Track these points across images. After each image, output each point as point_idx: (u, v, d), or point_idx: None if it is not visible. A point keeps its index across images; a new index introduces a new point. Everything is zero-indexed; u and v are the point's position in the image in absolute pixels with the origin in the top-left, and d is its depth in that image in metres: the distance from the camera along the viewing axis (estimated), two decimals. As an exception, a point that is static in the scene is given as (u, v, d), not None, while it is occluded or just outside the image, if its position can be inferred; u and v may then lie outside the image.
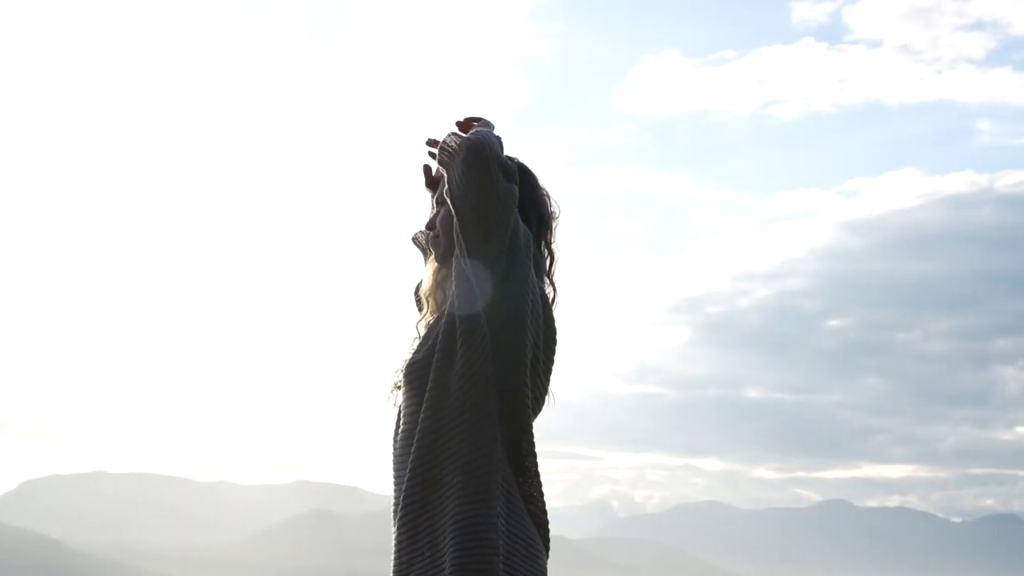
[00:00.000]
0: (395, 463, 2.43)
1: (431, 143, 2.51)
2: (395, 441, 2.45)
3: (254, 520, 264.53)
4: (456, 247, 2.29)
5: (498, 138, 2.29)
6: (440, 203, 2.55)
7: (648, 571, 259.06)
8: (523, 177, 2.48)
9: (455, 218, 2.24)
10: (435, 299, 2.57)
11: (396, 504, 2.38)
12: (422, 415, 2.32)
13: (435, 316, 2.53)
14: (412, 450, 2.32)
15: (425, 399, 2.32)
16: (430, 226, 2.59)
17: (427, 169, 2.61)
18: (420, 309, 2.61)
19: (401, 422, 2.44)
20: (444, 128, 2.40)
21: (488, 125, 2.39)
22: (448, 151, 2.22)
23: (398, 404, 2.47)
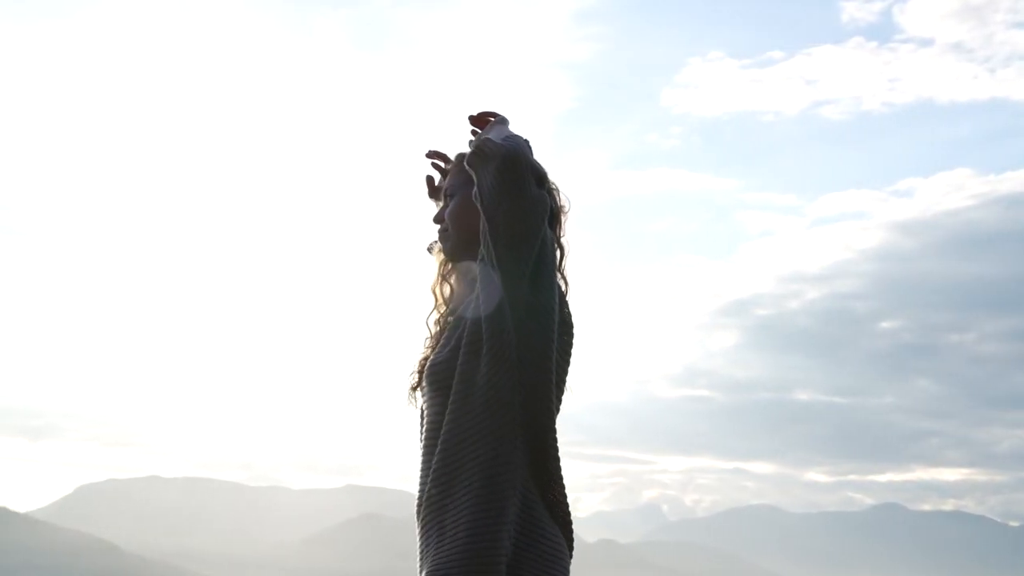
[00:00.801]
0: (421, 464, 2.44)
1: (432, 155, 2.64)
2: (420, 442, 2.47)
3: (305, 524, 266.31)
4: (484, 251, 2.30)
5: (526, 141, 2.31)
6: (449, 196, 2.58)
7: (699, 575, 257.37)
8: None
9: (486, 224, 2.25)
10: (442, 293, 2.61)
11: (419, 505, 2.40)
12: (447, 417, 2.34)
13: (442, 311, 2.59)
14: (436, 452, 2.34)
15: (450, 401, 2.34)
16: (438, 219, 2.60)
17: (430, 180, 2.67)
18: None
19: (424, 423, 2.46)
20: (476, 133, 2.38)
21: (503, 121, 2.43)
22: (482, 155, 2.23)
23: (420, 405, 2.49)
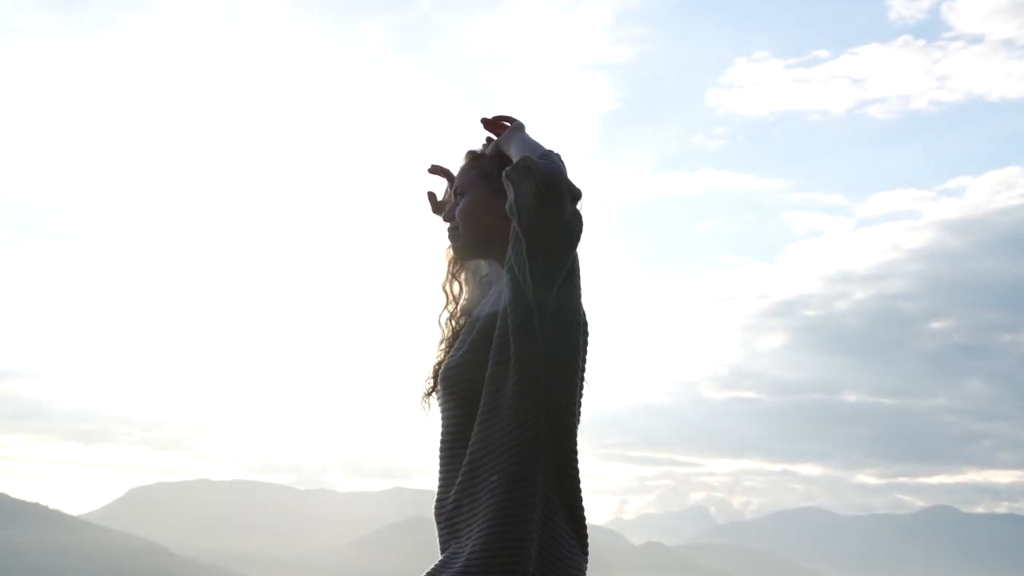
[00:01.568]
0: (440, 469, 2.46)
1: (435, 170, 2.68)
2: (439, 448, 2.48)
3: (352, 527, 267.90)
4: (515, 264, 2.29)
5: (558, 155, 2.33)
6: (459, 194, 2.58)
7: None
8: None
9: (522, 240, 2.25)
10: (451, 291, 2.63)
11: (439, 510, 2.44)
12: (477, 426, 2.35)
13: (452, 310, 2.62)
14: (464, 460, 2.36)
15: (480, 410, 2.35)
16: (448, 218, 2.60)
17: (432, 196, 2.69)
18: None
19: (443, 429, 2.47)
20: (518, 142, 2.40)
21: (520, 126, 2.47)
22: (523, 172, 2.23)
23: (441, 410, 2.49)
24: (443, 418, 2.47)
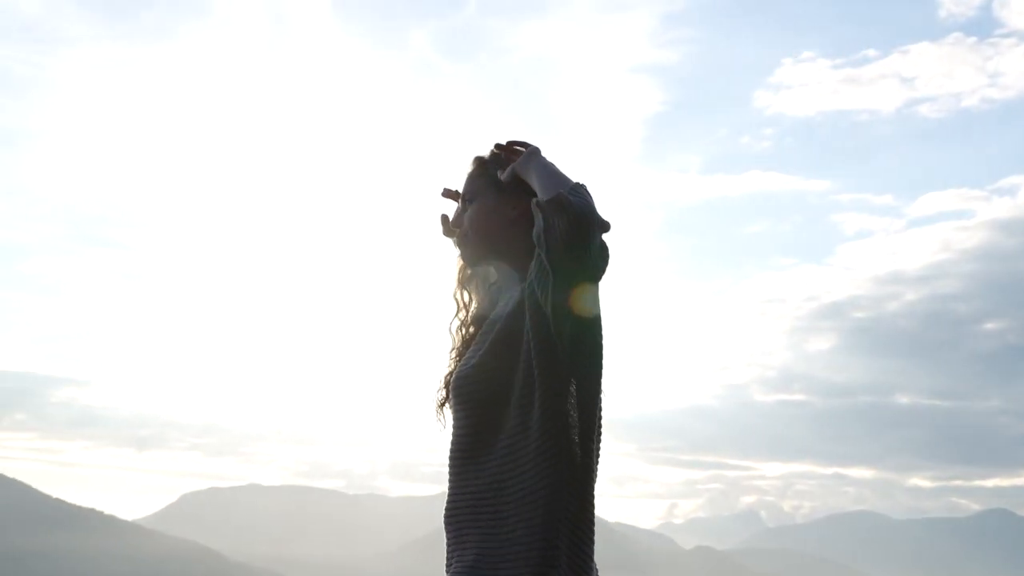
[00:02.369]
0: (453, 477, 2.46)
1: (447, 194, 2.66)
2: (451, 456, 2.47)
3: (402, 531, 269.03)
4: (539, 292, 2.29)
5: (583, 186, 2.31)
6: (468, 201, 2.58)
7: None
8: None
9: (549, 273, 2.24)
10: (462, 299, 2.63)
11: (452, 516, 2.44)
12: (504, 446, 2.36)
13: (463, 318, 2.62)
14: (487, 474, 2.37)
15: (508, 430, 2.36)
16: (456, 224, 2.60)
17: (444, 219, 2.66)
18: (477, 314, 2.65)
19: (456, 436, 2.46)
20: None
21: (536, 151, 2.45)
22: (557, 206, 2.22)
23: (454, 419, 2.48)
24: (456, 426, 2.46)
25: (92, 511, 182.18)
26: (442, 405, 2.55)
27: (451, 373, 2.55)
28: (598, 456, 2.40)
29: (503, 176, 2.49)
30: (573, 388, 2.33)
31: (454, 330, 2.61)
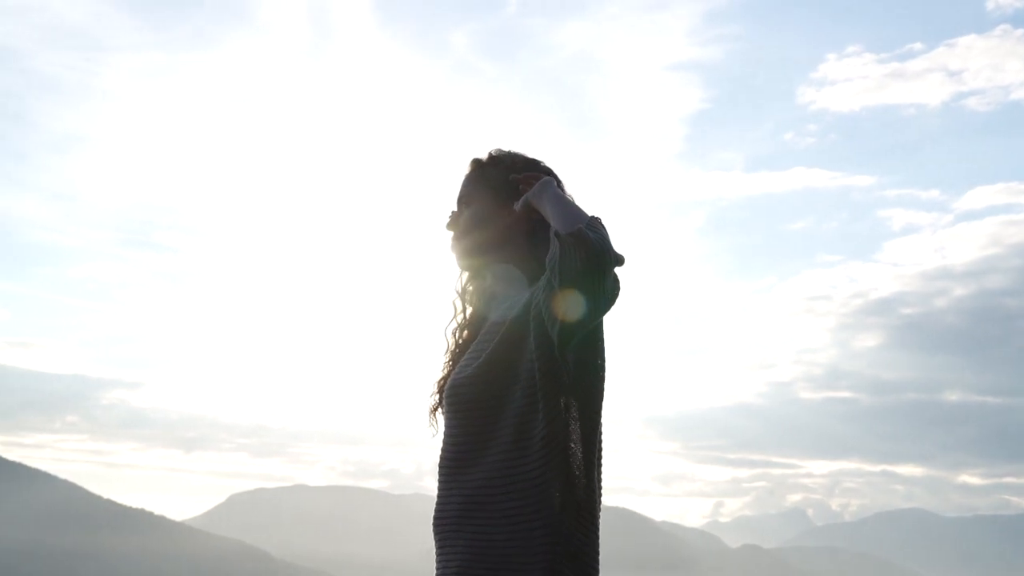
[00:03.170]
0: (442, 484, 2.44)
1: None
2: (441, 462, 2.46)
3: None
4: (546, 320, 2.28)
5: (600, 220, 2.28)
6: (464, 204, 2.58)
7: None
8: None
9: (560, 299, 2.22)
10: (459, 304, 2.63)
11: (441, 523, 2.43)
12: (501, 461, 2.34)
13: (459, 322, 2.61)
14: (475, 484, 2.36)
15: (500, 446, 2.34)
16: (452, 227, 2.60)
17: (454, 214, 2.65)
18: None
19: (447, 443, 2.45)
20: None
21: (549, 182, 2.43)
22: (577, 241, 2.19)
23: (446, 424, 2.46)
24: (447, 433, 2.44)
25: (142, 512, 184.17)
26: (435, 410, 2.53)
27: (445, 378, 2.54)
28: (600, 481, 2.41)
29: (517, 206, 2.47)
30: (575, 412, 2.33)
31: (450, 333, 2.60)
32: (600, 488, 2.40)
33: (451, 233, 2.59)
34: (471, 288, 2.62)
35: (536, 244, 2.50)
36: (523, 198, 2.45)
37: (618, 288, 2.25)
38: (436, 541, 2.43)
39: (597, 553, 2.38)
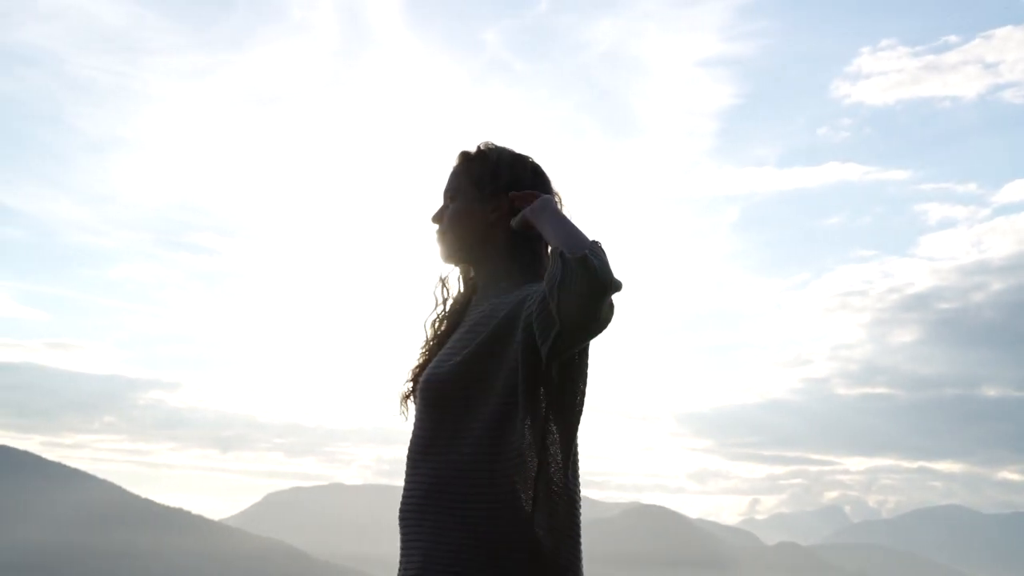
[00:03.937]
0: (410, 473, 2.44)
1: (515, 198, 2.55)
2: (411, 452, 2.45)
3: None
4: (538, 334, 2.25)
5: (599, 244, 2.25)
6: (451, 199, 2.56)
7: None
8: (538, 181, 2.53)
9: (556, 322, 2.21)
10: (439, 294, 2.61)
11: (406, 513, 2.43)
12: (468, 461, 2.33)
13: (439, 313, 2.59)
14: (438, 478, 2.36)
15: (469, 445, 2.34)
16: (436, 220, 2.58)
17: (442, 208, 2.64)
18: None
19: (418, 433, 2.45)
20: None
21: (548, 198, 2.42)
22: (582, 266, 2.17)
23: (418, 414, 2.45)
24: (418, 423, 2.44)
25: (180, 511, 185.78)
26: (407, 398, 2.52)
27: (420, 367, 2.52)
28: (579, 496, 2.39)
29: (514, 223, 2.45)
30: (553, 427, 2.32)
31: (428, 324, 2.58)
32: (579, 504, 2.38)
33: (435, 226, 2.59)
34: (452, 281, 2.61)
35: (516, 244, 2.48)
36: (520, 214, 2.44)
37: (612, 314, 2.24)
38: (401, 532, 2.43)
39: (578, 569, 2.36)
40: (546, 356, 2.24)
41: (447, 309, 2.59)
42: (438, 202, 2.54)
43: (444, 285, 2.62)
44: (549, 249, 2.37)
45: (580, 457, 2.41)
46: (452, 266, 2.60)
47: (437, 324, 2.58)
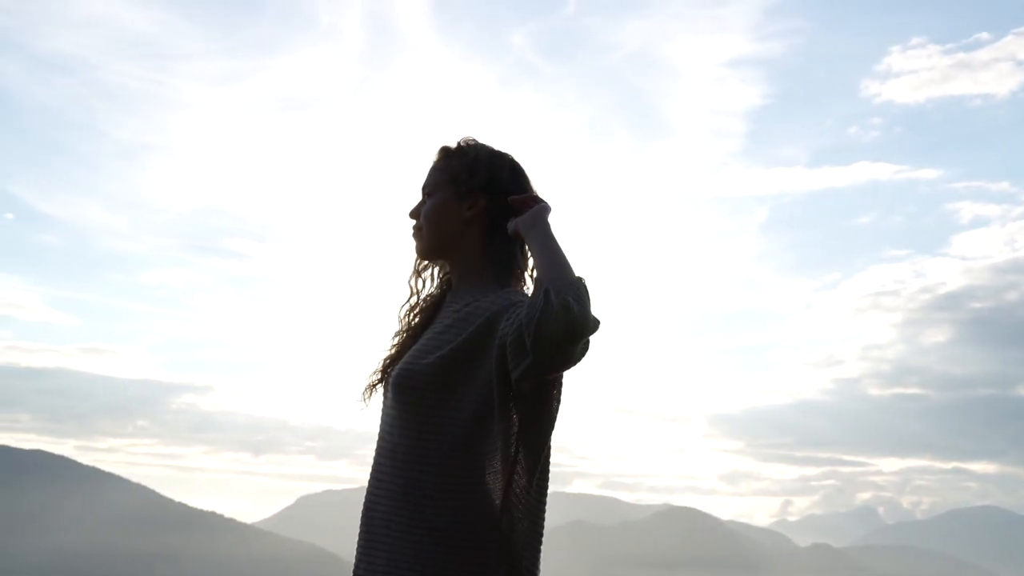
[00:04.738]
0: (373, 472, 2.42)
1: (515, 201, 2.52)
2: (381, 446, 2.43)
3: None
4: (511, 359, 2.23)
5: (583, 282, 2.22)
6: (428, 194, 2.55)
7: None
8: (515, 179, 2.50)
9: (529, 353, 2.19)
10: (415, 285, 2.59)
11: (370, 513, 2.40)
12: (439, 464, 2.31)
13: (413, 304, 2.56)
14: (408, 482, 2.33)
15: (442, 448, 2.32)
16: (414, 215, 2.56)
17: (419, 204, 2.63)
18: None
19: (386, 430, 2.43)
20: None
21: (540, 209, 2.38)
22: (559, 306, 2.15)
23: (388, 409, 2.43)
24: (389, 417, 2.42)
25: (212, 514, 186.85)
26: (373, 387, 2.50)
27: (391, 359, 2.50)
28: (544, 504, 2.37)
29: (509, 227, 2.43)
30: (524, 436, 2.31)
31: (402, 315, 2.56)
32: (544, 511, 2.38)
33: (413, 221, 2.57)
34: (427, 274, 2.59)
35: (492, 242, 2.47)
36: (513, 222, 2.41)
37: (586, 351, 2.22)
38: (362, 530, 2.42)
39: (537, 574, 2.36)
40: (516, 381, 2.24)
41: (421, 301, 2.57)
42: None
43: (419, 276, 2.59)
44: (529, 257, 2.39)
45: (552, 467, 2.38)
46: (427, 262, 2.57)
47: (411, 316, 2.55)
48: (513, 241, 2.45)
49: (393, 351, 2.51)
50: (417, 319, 2.53)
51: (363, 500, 2.43)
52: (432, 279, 2.59)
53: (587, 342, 2.19)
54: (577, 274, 2.23)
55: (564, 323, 2.13)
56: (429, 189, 2.53)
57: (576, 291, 2.17)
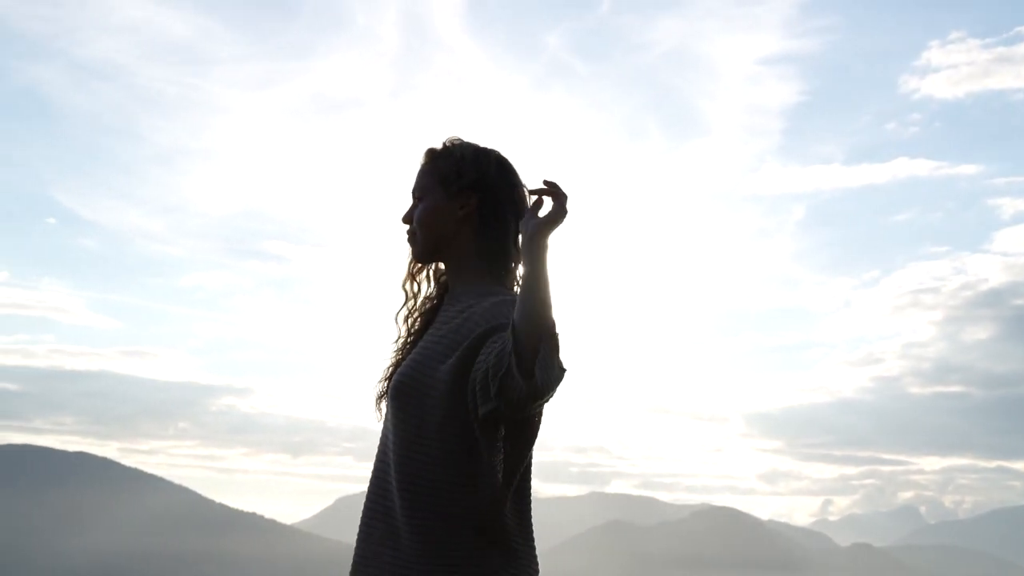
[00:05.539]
0: (372, 479, 2.45)
1: (535, 192, 2.44)
2: (381, 453, 2.46)
3: (552, 533, 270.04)
4: (478, 395, 2.23)
5: (556, 338, 2.15)
6: (419, 198, 2.54)
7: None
8: (503, 174, 2.50)
9: (492, 400, 2.19)
10: (410, 289, 2.58)
11: (365, 519, 2.43)
12: (426, 469, 2.32)
13: (411, 307, 2.56)
14: (401, 487, 2.35)
15: (433, 456, 2.32)
16: (406, 220, 2.56)
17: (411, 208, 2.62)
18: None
19: (384, 435, 2.45)
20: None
21: (535, 235, 2.20)
22: (527, 367, 2.10)
23: (388, 416, 2.44)
24: (388, 424, 2.44)
25: (253, 515, 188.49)
26: (380, 398, 2.50)
27: (394, 366, 2.50)
28: (530, 521, 2.39)
29: (521, 227, 2.27)
30: (507, 447, 2.31)
31: (400, 320, 2.56)
32: (531, 528, 2.39)
33: (406, 226, 2.56)
34: (421, 276, 2.59)
35: (484, 240, 2.48)
36: (520, 222, 2.30)
37: (551, 397, 2.18)
38: (359, 533, 2.44)
39: None
40: (481, 418, 2.24)
41: (419, 305, 2.57)
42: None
43: (414, 279, 2.58)
44: (520, 247, 2.32)
45: (533, 480, 2.41)
46: (423, 264, 2.57)
47: (411, 321, 2.55)
48: (506, 235, 2.45)
49: (395, 358, 2.52)
50: (417, 324, 2.54)
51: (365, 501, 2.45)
52: (427, 281, 2.59)
53: (552, 395, 2.17)
54: (550, 322, 2.13)
55: (526, 390, 2.11)
56: (419, 192, 2.53)
57: (544, 355, 2.12)
